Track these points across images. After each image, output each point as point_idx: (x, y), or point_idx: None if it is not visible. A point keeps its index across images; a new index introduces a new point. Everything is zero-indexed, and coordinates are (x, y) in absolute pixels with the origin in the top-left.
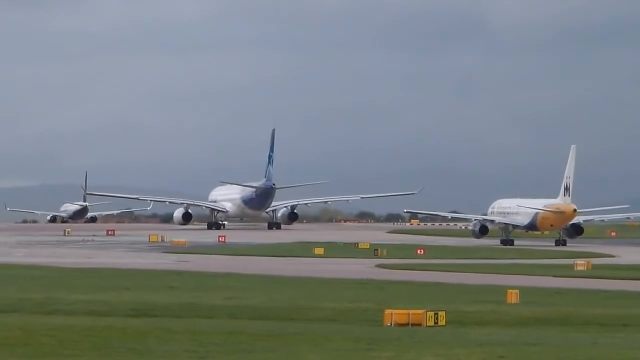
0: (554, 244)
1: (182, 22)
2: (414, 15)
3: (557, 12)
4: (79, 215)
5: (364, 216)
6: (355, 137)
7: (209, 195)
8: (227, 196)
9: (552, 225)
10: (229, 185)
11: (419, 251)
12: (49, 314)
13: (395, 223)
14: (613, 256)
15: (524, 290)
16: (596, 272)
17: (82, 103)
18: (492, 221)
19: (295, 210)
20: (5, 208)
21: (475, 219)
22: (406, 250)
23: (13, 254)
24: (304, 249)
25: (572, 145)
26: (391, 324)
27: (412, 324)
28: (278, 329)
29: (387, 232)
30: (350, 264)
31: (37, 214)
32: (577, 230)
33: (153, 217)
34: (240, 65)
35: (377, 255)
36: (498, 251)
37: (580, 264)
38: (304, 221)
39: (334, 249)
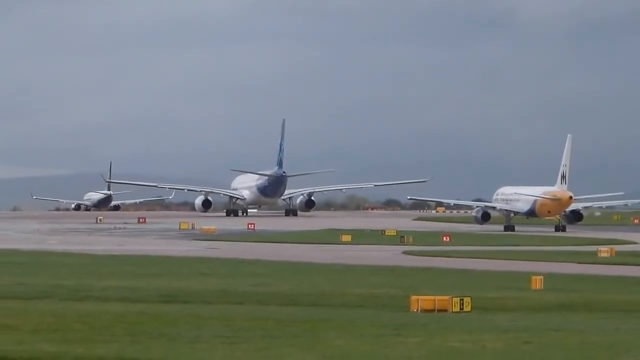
0: (553, 230)
1: (211, 15)
2: (439, 8)
3: (582, 3)
4: (103, 203)
5: (390, 204)
6: (381, 127)
7: (232, 184)
8: (246, 184)
9: (549, 212)
10: (249, 174)
11: (444, 238)
12: (81, 300)
13: (422, 210)
14: (636, 243)
15: (548, 277)
16: (620, 259)
17: (115, 95)
18: (493, 208)
19: (312, 198)
20: (32, 197)
21: (477, 206)
22: (432, 237)
23: (46, 241)
24: (331, 236)
25: (568, 135)
26: (417, 310)
27: (438, 310)
28: (306, 315)
29: (414, 220)
30: (377, 251)
31: (62, 202)
32: (576, 217)
33: (184, 205)
34: (269, 57)
35: (404, 242)
36: (522, 238)
37: (604, 250)
38: (332, 209)
39: (361, 236)
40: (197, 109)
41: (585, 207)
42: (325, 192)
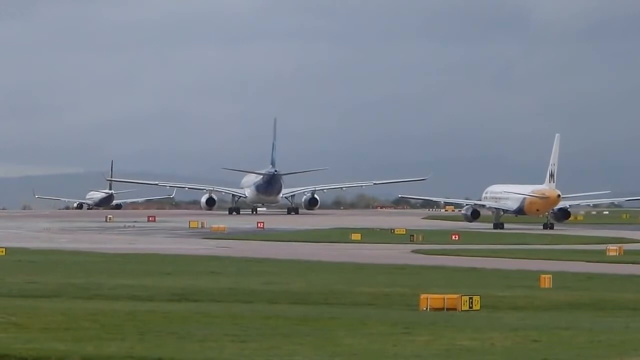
0: (542, 227)
1: (225, 13)
2: (454, 7)
3: (597, 3)
4: (104, 202)
5: (400, 202)
6: (395, 125)
7: (240, 182)
8: (248, 183)
9: (538, 210)
10: (253, 173)
11: (453, 237)
12: (91, 299)
13: (431, 209)
14: None
15: (556, 275)
16: (628, 258)
17: (128, 93)
18: (483, 206)
19: (315, 196)
20: (34, 195)
21: (467, 204)
22: (441, 236)
23: (56, 239)
24: (341, 235)
25: (556, 134)
26: (427, 309)
27: (447, 309)
28: (315, 313)
29: (423, 218)
30: (387, 250)
31: (65, 201)
32: (564, 215)
33: (194, 204)
34: (284, 56)
35: (413, 240)
36: (531, 237)
37: (612, 249)
38: (341, 207)
39: (370, 235)
40: (206, 107)
41: (594, 206)
42: (325, 190)
